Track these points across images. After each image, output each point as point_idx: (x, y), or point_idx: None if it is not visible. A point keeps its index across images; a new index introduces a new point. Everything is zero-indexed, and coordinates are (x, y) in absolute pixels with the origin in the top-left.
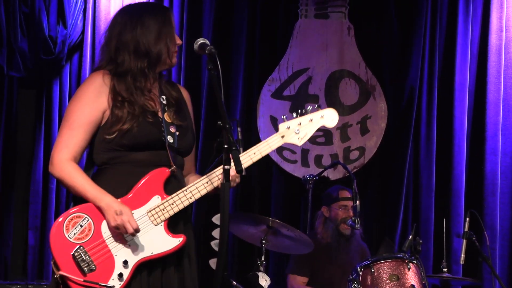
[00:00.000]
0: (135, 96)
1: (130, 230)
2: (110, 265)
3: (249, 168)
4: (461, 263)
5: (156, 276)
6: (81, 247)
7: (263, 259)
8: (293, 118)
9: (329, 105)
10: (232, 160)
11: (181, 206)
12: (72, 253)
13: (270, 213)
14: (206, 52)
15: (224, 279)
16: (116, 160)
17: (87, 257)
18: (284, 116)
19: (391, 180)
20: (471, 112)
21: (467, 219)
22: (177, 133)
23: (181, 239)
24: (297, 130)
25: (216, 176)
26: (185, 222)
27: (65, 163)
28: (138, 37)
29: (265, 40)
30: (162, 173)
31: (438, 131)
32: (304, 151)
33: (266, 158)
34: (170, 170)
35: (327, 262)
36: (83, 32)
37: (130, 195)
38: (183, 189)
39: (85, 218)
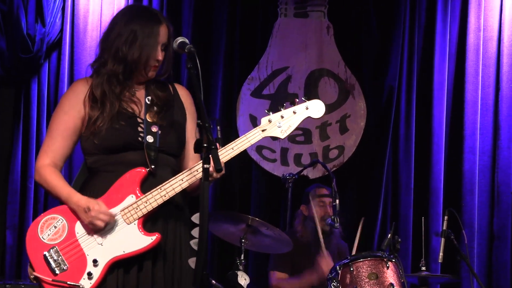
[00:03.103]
0: (111, 99)
1: (100, 224)
2: (82, 265)
3: (228, 166)
4: (440, 261)
5: (132, 274)
6: (54, 248)
7: (242, 258)
8: (276, 112)
9: None
10: (211, 159)
11: (154, 204)
12: (43, 254)
13: (250, 211)
14: (186, 51)
15: (204, 278)
16: (99, 163)
17: (59, 257)
18: (267, 110)
19: (370, 179)
20: (449, 111)
21: (446, 217)
22: (160, 132)
23: (154, 238)
24: (279, 123)
25: (191, 174)
26: (175, 220)
27: (42, 168)
28: (120, 43)
29: (244, 39)
30: (138, 173)
31: (416, 130)
32: (284, 149)
33: (246, 157)
34: (148, 170)
35: (308, 260)
36: (61, 30)
37: (104, 196)
38: (158, 187)
39: (59, 220)
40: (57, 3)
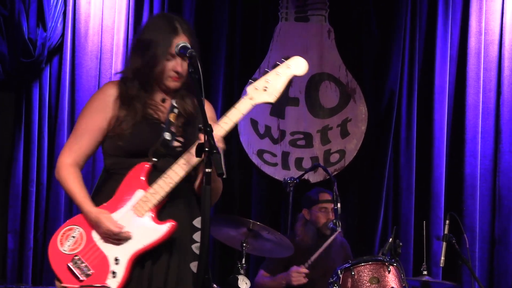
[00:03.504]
0: (136, 104)
1: (113, 233)
2: (105, 266)
3: (229, 170)
4: (441, 265)
5: (147, 268)
6: (76, 257)
7: (243, 262)
8: (259, 79)
9: (310, 107)
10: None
11: (162, 193)
12: (67, 265)
13: (251, 216)
14: (187, 55)
15: (205, 282)
16: (116, 166)
17: (82, 264)
18: (251, 80)
19: (371, 183)
20: (450, 115)
21: (447, 221)
22: (178, 137)
23: (169, 225)
24: (265, 87)
25: (191, 155)
26: (187, 208)
27: (63, 167)
28: (136, 52)
29: (245, 43)
30: (141, 168)
31: (418, 134)
32: (285, 154)
33: (247, 161)
34: (151, 164)
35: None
36: (63, 34)
37: (113, 198)
38: (162, 175)
39: (76, 229)
40: (58, 7)
